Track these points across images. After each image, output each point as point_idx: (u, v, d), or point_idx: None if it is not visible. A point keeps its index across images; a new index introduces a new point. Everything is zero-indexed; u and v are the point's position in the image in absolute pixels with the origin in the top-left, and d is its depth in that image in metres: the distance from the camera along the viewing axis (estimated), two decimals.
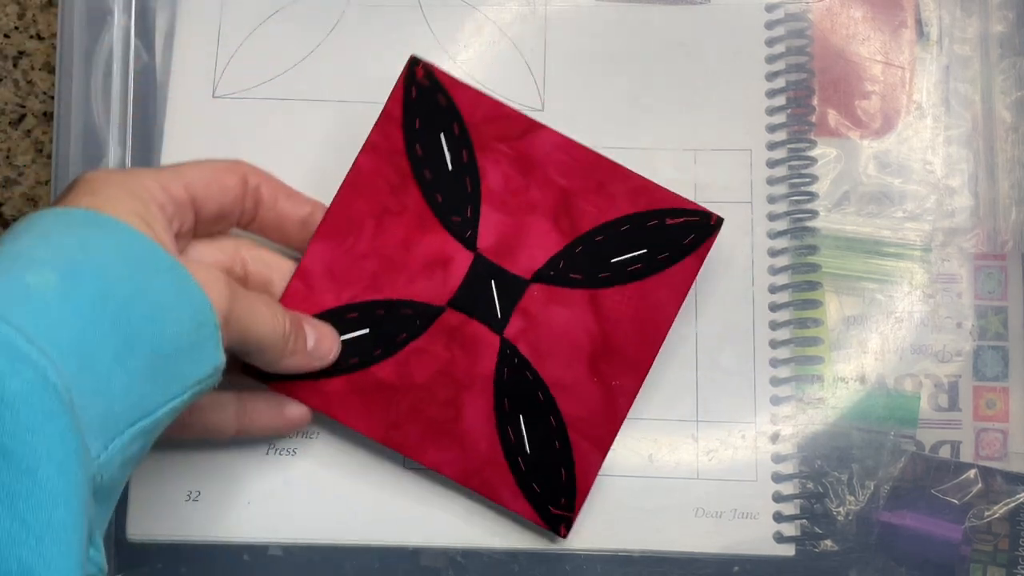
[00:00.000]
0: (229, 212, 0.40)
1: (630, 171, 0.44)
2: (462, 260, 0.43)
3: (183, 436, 0.41)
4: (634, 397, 0.43)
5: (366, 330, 0.43)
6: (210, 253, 0.40)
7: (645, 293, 0.44)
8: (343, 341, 0.43)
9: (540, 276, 0.44)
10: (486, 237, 0.44)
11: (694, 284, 0.45)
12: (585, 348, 0.43)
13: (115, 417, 0.30)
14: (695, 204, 0.44)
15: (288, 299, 0.42)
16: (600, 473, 0.43)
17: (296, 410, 0.42)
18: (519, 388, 0.43)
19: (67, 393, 0.28)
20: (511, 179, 0.44)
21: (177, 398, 0.33)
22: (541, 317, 0.44)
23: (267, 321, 0.38)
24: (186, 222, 0.38)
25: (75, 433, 0.28)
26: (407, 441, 0.43)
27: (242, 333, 0.36)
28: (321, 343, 0.41)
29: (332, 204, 0.43)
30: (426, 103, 0.44)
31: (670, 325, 0.44)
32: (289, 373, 0.41)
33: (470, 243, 0.44)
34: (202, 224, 0.39)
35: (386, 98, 0.43)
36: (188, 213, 0.38)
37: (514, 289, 0.44)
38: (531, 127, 0.44)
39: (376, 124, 0.44)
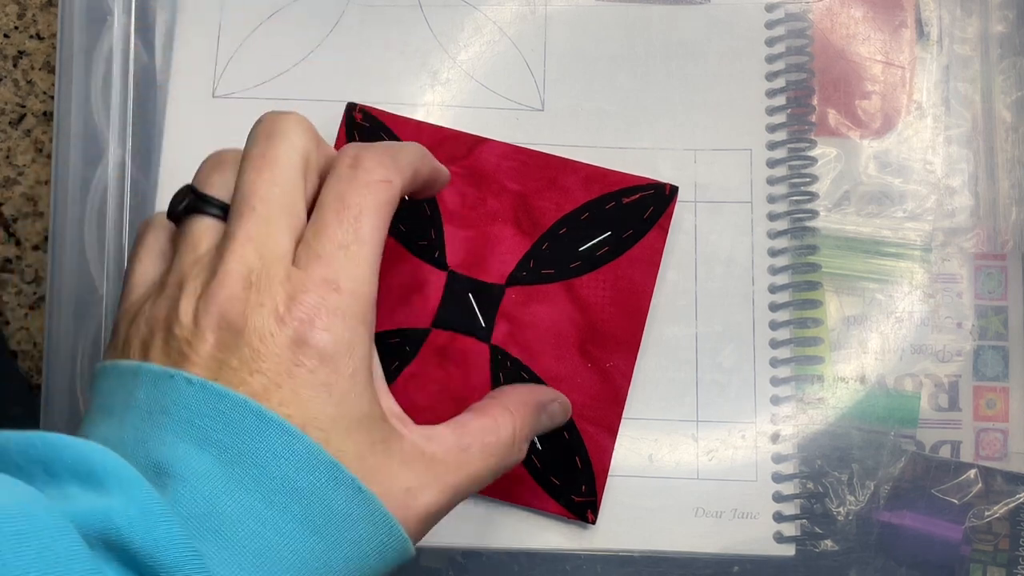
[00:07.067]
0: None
1: (578, 162, 0.45)
2: (436, 281, 0.44)
3: None
4: (631, 375, 0.44)
5: None
6: None
7: (619, 273, 0.45)
8: None
9: (514, 279, 0.44)
10: (454, 254, 0.45)
11: (694, 285, 0.45)
12: (573, 338, 0.44)
13: None
14: (647, 179, 0.45)
15: None
16: None
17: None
18: None
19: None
20: (467, 195, 0.45)
21: None
22: (524, 317, 0.44)
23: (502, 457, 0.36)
24: None
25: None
26: None
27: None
28: (555, 417, 0.40)
29: None
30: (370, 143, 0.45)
31: (650, 299, 0.45)
32: None
33: (440, 263, 0.44)
34: None
35: (386, 98, 0.43)
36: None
37: (492, 297, 0.44)
38: (476, 143, 0.45)
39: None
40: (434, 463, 0.33)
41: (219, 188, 0.34)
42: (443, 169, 0.39)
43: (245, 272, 0.31)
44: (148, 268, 0.35)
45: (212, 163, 0.36)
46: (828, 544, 0.44)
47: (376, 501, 0.30)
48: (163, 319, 0.32)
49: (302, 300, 0.31)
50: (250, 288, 0.31)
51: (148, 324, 0.32)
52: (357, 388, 0.31)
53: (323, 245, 0.32)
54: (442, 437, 0.33)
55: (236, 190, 0.33)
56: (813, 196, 0.47)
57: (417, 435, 0.33)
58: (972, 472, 0.45)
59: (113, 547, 0.27)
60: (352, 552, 0.30)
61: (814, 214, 0.47)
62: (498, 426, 0.35)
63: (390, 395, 0.33)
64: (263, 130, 0.34)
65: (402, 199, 0.36)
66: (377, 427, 0.31)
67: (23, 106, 0.49)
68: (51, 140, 0.48)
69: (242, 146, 0.35)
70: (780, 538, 0.44)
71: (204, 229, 0.34)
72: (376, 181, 0.33)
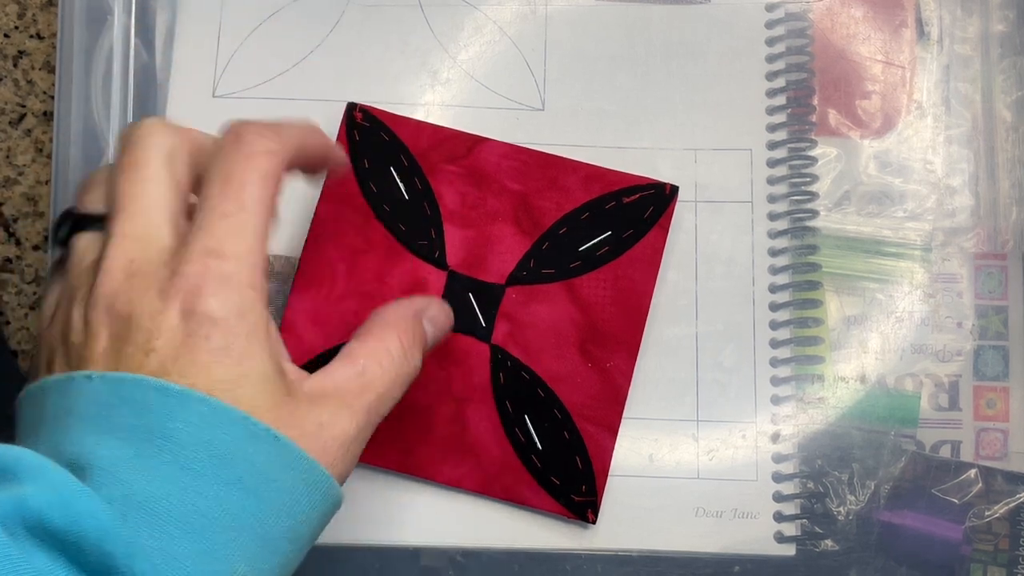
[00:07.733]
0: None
1: (578, 162, 0.45)
2: (436, 280, 0.44)
3: None
4: (631, 375, 0.44)
5: None
6: None
7: (619, 273, 0.45)
8: None
9: (514, 279, 0.45)
10: (454, 254, 0.45)
11: (694, 285, 0.45)
12: (573, 337, 0.44)
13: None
14: (647, 178, 0.45)
15: None
16: None
17: None
18: (518, 389, 0.44)
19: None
20: (467, 195, 0.45)
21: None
22: (524, 317, 0.44)
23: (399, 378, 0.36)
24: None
25: None
26: (421, 464, 0.44)
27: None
28: (437, 320, 0.39)
29: (303, 255, 0.44)
30: (370, 142, 0.45)
31: (650, 299, 0.45)
32: None
33: (440, 263, 0.45)
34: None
35: (386, 98, 0.43)
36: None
37: (492, 296, 0.44)
38: (476, 143, 0.46)
39: (328, 173, 0.44)
40: (338, 393, 0.33)
41: (95, 204, 0.35)
42: (335, 147, 0.38)
43: (125, 263, 0.32)
44: (51, 299, 0.35)
45: (83, 184, 0.36)
46: (828, 544, 0.44)
47: (292, 446, 0.31)
48: (60, 334, 0.32)
49: (184, 272, 0.31)
50: (133, 277, 0.32)
51: (49, 344, 0.33)
52: (256, 348, 0.31)
53: (205, 216, 0.32)
54: (338, 371, 0.34)
55: (109, 200, 0.34)
56: (813, 196, 0.47)
57: (316, 377, 0.34)
58: (972, 472, 0.45)
59: (34, 531, 0.27)
60: (282, 501, 0.31)
61: (814, 214, 0.47)
62: (385, 342, 0.36)
63: (288, 357, 0.34)
64: (123, 141, 0.35)
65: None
66: (280, 380, 0.32)
67: (23, 106, 0.49)
68: (51, 140, 0.48)
69: None
70: (780, 538, 0.44)
71: (87, 243, 0.34)
72: (259, 153, 0.33)
